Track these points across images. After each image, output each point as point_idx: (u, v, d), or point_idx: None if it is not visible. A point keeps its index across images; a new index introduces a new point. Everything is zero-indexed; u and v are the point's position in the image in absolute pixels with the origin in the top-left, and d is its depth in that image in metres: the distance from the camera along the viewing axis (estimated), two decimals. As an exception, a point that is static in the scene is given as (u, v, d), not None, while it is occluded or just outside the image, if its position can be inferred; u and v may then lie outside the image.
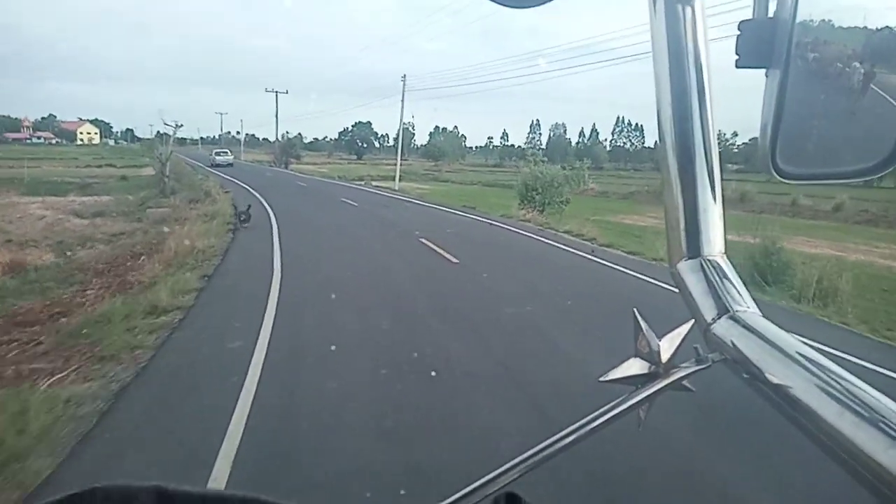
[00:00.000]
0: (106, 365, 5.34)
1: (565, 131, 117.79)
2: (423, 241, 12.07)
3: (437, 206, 22.24)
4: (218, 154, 53.89)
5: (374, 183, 39.19)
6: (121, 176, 45.00)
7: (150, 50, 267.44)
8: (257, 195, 24.03)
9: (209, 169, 46.11)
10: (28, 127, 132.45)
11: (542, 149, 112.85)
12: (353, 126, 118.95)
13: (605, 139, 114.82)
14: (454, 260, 10.11)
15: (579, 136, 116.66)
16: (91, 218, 26.32)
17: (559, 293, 8.00)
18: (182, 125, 35.60)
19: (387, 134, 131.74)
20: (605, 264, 10.55)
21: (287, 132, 75.45)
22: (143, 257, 11.80)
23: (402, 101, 35.67)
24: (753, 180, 45.28)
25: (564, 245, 12.63)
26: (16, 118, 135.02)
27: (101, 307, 7.73)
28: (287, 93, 61.43)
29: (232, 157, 55.32)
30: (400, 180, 35.65)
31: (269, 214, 16.53)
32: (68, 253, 15.29)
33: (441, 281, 8.69)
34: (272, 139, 63.48)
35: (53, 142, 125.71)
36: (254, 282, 8.34)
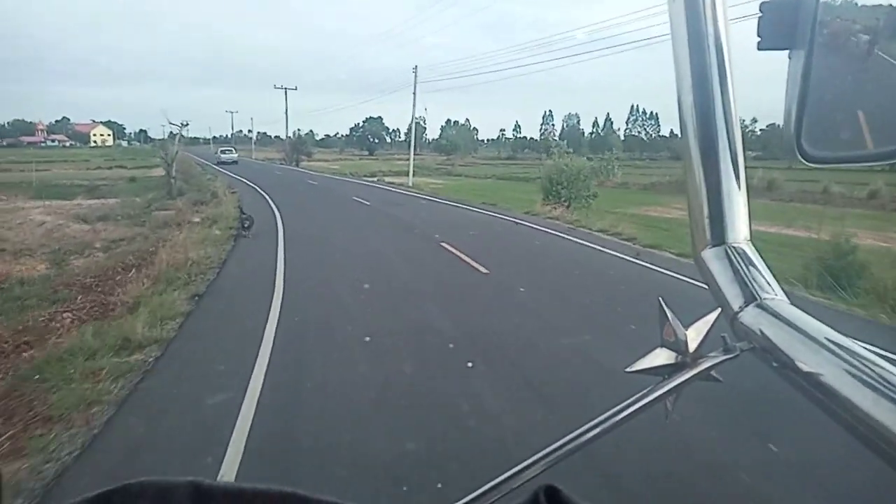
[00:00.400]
0: (51, 430, 4.11)
1: (579, 122, 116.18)
2: (445, 246, 10.75)
3: (454, 203, 20.90)
4: (223, 152, 55.77)
5: (386, 179, 37.95)
6: (130, 177, 44.37)
7: (162, 50, 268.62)
8: (265, 195, 22.90)
9: (217, 168, 45.37)
10: (42, 130, 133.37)
11: (556, 139, 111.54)
12: (364, 121, 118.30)
13: (619, 128, 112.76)
14: (483, 270, 8.77)
15: (593, 126, 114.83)
16: (94, 223, 25.38)
17: (619, 315, 6.60)
18: (188, 124, 34.58)
19: (398, 129, 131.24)
20: (658, 271, 9.15)
21: (299, 129, 74.75)
22: (133, 270, 10.64)
23: (414, 93, 34.34)
24: (778, 167, 43.47)
25: (604, 247, 11.23)
26: (30, 122, 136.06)
27: (71, 338, 6.53)
28: (296, 89, 60.47)
29: (237, 154, 56.77)
30: (413, 175, 34.30)
31: (275, 217, 15.30)
32: (62, 262, 14.27)
33: (472, 299, 7.35)
34: (284, 137, 62.68)
35: (67, 144, 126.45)
36: (250, 304, 7.08)
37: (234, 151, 57.40)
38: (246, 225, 11.70)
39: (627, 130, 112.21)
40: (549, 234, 13.05)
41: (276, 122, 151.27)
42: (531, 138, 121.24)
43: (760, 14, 0.50)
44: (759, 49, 0.51)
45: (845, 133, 0.57)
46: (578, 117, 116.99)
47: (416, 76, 34.10)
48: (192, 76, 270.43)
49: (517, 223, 14.77)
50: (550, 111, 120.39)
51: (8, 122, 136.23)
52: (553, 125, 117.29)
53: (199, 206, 21.68)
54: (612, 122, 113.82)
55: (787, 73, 0.51)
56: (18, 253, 16.61)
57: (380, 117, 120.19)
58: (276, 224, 13.79)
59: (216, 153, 57.74)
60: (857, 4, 0.53)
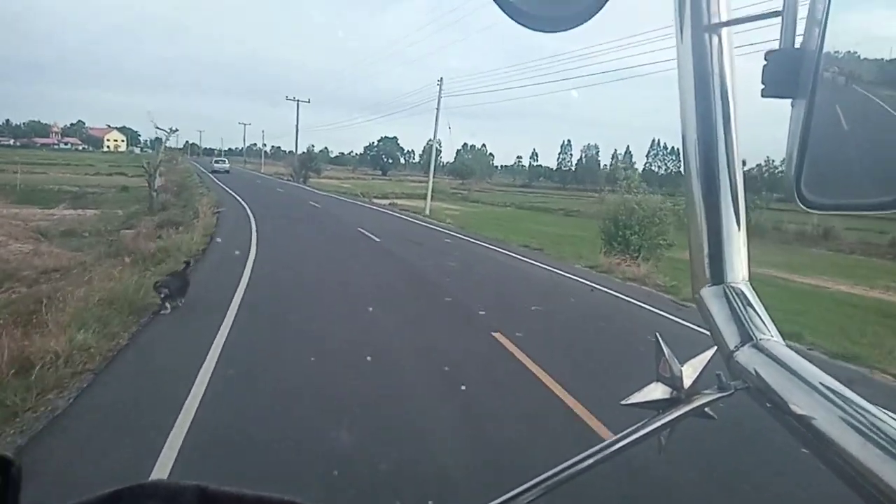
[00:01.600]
0: None
1: (598, 153, 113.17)
2: (503, 340, 6.26)
3: (486, 242, 16.41)
4: (217, 162, 62.57)
5: (399, 202, 33.72)
6: (122, 186, 40.90)
7: (181, 61, 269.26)
8: (253, 218, 18.63)
9: (216, 181, 41.57)
10: (57, 132, 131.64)
11: (572, 170, 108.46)
12: (379, 141, 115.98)
13: (635, 162, 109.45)
14: (601, 426, 4.26)
15: (612, 159, 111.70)
16: (52, 239, 21.39)
17: None
18: (177, 130, 30.89)
19: (412, 150, 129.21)
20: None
21: (313, 145, 71.35)
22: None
23: (438, 107, 30.24)
24: (840, 215, 39.18)
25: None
26: (46, 123, 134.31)
27: None
28: (309, 101, 56.92)
29: (228, 165, 63.48)
30: (430, 200, 29.94)
31: (245, 260, 10.85)
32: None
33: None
34: (294, 151, 59.25)
35: (80, 148, 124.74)
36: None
37: (226, 162, 64.86)
38: (164, 294, 6.74)
39: (648, 164, 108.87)
40: (656, 315, 8.43)
41: (290, 135, 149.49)
42: (547, 167, 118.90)
43: (765, 62, 0.50)
44: (762, 96, 0.50)
45: (845, 181, 0.56)
46: (598, 148, 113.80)
47: (440, 89, 30.06)
48: (210, 87, 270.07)
49: (592, 288, 10.17)
50: (569, 141, 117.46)
51: (24, 123, 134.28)
52: (571, 155, 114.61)
53: (168, 228, 17.41)
54: (631, 156, 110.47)
55: (790, 121, 0.51)
56: None
57: (395, 137, 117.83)
58: (241, 275, 9.31)
59: (211, 163, 63.88)
60: (858, 56, 0.52)
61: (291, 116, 55.80)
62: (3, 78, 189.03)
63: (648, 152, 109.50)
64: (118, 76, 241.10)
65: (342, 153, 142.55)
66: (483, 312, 7.59)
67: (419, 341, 6.38)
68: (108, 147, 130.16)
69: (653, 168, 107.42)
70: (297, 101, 54.79)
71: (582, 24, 0.56)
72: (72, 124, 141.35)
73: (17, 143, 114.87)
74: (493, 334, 6.56)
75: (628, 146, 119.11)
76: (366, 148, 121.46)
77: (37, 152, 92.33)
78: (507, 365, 5.66)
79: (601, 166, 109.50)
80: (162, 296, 6.65)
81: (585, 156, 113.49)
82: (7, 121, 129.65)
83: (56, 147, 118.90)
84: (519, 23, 0.56)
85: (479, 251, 14.75)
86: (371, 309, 7.61)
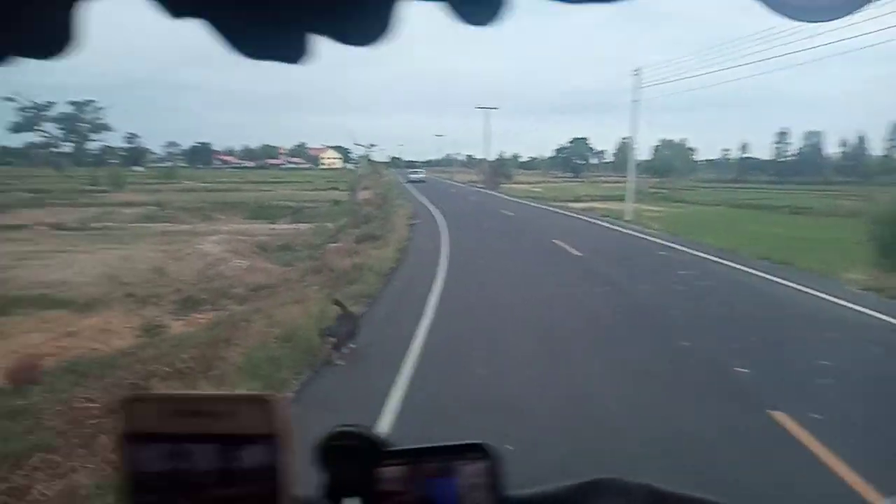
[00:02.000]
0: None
1: (820, 141, 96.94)
2: (789, 427, 4.09)
3: (706, 253, 13.47)
4: (412, 173, 67.02)
5: (594, 206, 31.14)
6: (334, 200, 44.05)
7: (385, 84, 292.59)
8: (444, 231, 18.07)
9: (413, 191, 43.03)
10: (284, 153, 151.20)
11: (790, 161, 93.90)
12: (569, 142, 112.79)
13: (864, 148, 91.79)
14: None
15: (842, 147, 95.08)
16: (270, 253, 23.23)
17: None
18: (375, 145, 32.35)
19: (603, 150, 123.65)
20: None
21: (503, 151, 71.91)
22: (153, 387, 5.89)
23: (636, 99, 27.15)
24: None
25: None
26: (275, 146, 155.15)
27: None
28: (497, 109, 56.79)
29: (424, 174, 67.59)
30: (630, 202, 26.88)
31: (432, 281, 9.76)
32: (156, 330, 10.58)
33: None
34: (490, 159, 59.96)
35: (303, 166, 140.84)
36: None
37: (421, 172, 68.52)
38: (332, 344, 5.62)
39: (887, 151, 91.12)
40: None
41: (481, 143, 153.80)
42: (758, 159, 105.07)
43: None
44: None
45: None
46: (820, 135, 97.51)
47: (639, 79, 27.00)
48: (409, 104, 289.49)
49: (894, 329, 7.27)
50: (786, 129, 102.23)
51: (258, 147, 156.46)
52: (788, 144, 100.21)
53: (366, 242, 17.67)
54: (864, 142, 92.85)
55: None
56: (146, 299, 13.74)
57: (584, 138, 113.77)
58: (425, 303, 8.17)
59: (407, 174, 68.28)
60: None
61: (482, 125, 56.29)
62: (242, 111, 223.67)
63: (894, 136, 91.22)
64: (332, 101, 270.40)
65: (532, 157, 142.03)
66: (743, 370, 5.41)
67: (657, 418, 4.49)
68: (324, 164, 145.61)
69: (892, 155, 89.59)
70: (487, 109, 54.92)
71: (853, 13, 0.46)
72: (296, 146, 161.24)
73: (254, 165, 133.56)
74: (772, 414, 4.40)
75: (863, 132, 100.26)
76: (556, 150, 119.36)
77: (268, 172, 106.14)
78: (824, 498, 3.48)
79: (821, 154, 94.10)
80: (330, 346, 5.67)
81: (807, 144, 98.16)
82: (245, 146, 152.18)
83: (283, 167, 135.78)
84: (778, 12, 0.47)
85: (707, 267, 12.04)
86: (575, 356, 5.91)
